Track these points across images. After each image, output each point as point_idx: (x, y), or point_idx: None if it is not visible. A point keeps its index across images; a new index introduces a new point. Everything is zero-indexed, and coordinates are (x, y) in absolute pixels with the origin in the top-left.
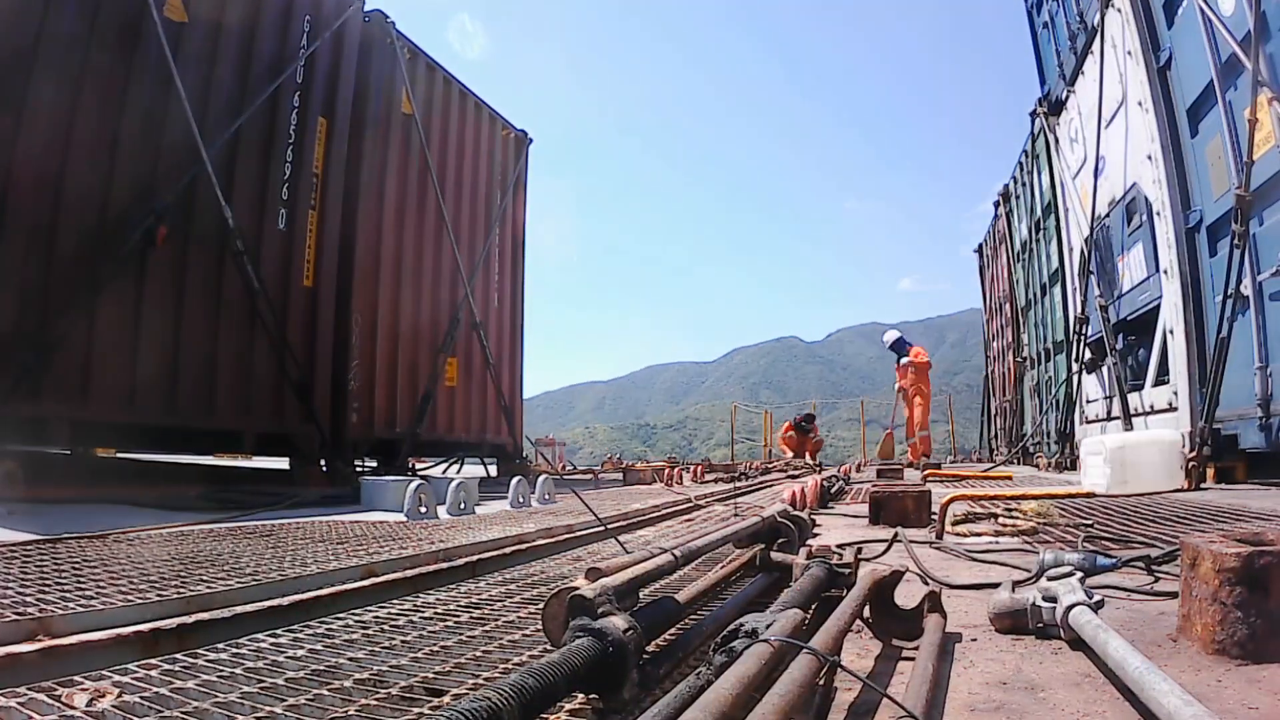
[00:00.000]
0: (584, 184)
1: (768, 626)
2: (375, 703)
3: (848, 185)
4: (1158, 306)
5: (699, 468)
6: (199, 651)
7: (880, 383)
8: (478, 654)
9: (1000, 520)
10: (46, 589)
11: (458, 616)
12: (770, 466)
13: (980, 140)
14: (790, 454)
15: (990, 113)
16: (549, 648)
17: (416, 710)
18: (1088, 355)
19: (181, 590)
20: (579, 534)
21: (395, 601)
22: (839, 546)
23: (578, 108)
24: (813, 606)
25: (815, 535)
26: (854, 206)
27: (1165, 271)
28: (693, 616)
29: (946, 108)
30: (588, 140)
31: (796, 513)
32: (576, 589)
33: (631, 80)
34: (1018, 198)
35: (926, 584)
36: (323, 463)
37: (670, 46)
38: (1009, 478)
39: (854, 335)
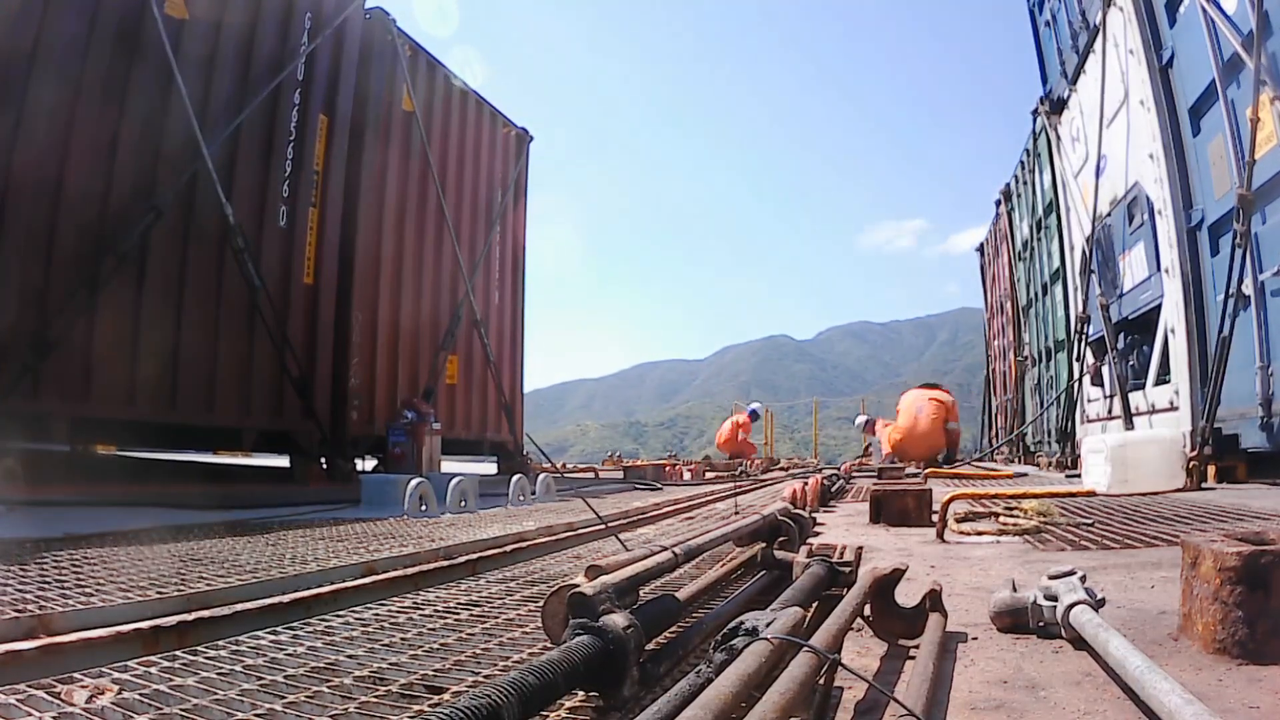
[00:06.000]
0: (573, 183)
1: (768, 624)
2: (375, 700)
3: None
4: (1159, 305)
5: (699, 466)
6: (199, 649)
7: (870, 381)
8: (478, 651)
9: (1001, 519)
10: (46, 586)
11: (458, 614)
12: (773, 465)
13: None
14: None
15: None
16: (549, 645)
17: (416, 708)
18: (1090, 361)
19: (181, 588)
20: (579, 531)
21: (395, 599)
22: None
23: (567, 102)
24: (813, 605)
25: (817, 534)
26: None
27: (1167, 270)
28: (693, 614)
29: (950, 118)
30: (574, 137)
31: (797, 511)
32: (577, 586)
33: (625, 75)
34: (1019, 196)
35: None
36: (323, 460)
37: (673, 39)
38: (1009, 476)
39: (843, 334)
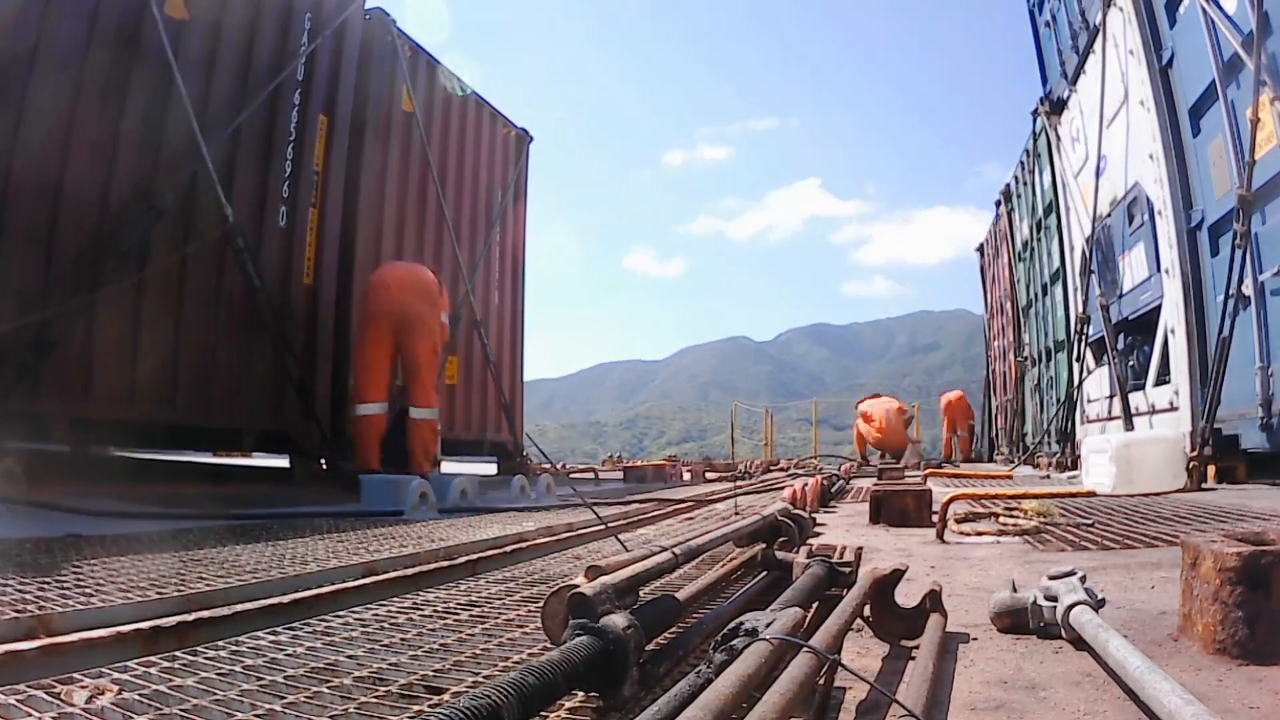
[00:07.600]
0: (547, 181)
1: (768, 625)
2: (375, 700)
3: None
4: (1159, 306)
5: (700, 466)
6: (199, 649)
7: (829, 384)
8: (477, 652)
9: (1001, 520)
10: (46, 586)
11: (458, 614)
12: (772, 465)
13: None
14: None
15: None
16: (549, 646)
17: (416, 708)
18: (1090, 360)
19: (181, 588)
20: (579, 532)
21: (395, 599)
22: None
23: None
24: (813, 605)
25: (817, 534)
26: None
27: (1167, 271)
28: (693, 615)
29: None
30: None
31: (797, 511)
32: (576, 587)
33: (612, 70)
34: (1019, 196)
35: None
36: (323, 461)
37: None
38: (1009, 477)
39: (803, 336)
